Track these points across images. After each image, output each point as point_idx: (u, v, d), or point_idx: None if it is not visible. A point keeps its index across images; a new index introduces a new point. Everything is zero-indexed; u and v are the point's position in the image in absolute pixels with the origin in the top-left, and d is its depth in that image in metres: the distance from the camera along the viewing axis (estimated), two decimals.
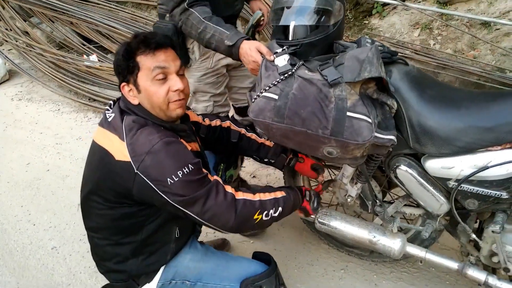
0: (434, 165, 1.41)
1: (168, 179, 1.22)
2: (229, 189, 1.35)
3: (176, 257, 1.50)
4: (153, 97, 1.32)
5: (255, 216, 1.36)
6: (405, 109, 1.39)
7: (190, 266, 1.50)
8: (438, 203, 1.49)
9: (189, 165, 1.27)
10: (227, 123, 1.81)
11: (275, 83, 1.35)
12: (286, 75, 1.34)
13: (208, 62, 1.89)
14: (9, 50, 4.96)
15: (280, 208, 1.42)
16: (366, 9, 4.14)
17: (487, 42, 3.49)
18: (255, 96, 1.37)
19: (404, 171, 1.48)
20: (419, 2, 3.92)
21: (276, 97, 1.34)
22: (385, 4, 4.00)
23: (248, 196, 1.38)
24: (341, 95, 1.26)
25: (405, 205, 1.71)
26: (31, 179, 2.87)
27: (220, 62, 1.92)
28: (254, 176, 2.75)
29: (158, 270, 1.47)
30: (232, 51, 1.57)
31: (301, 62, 1.39)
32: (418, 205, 1.64)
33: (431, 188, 1.47)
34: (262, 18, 1.80)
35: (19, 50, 4.63)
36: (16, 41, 4.66)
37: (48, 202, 2.64)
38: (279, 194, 1.46)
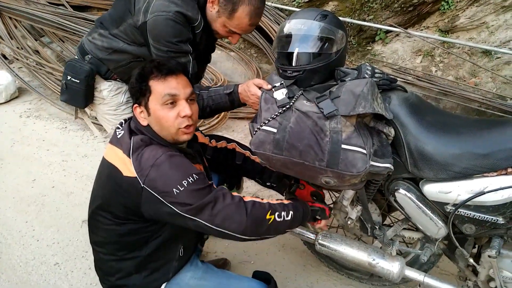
0: (431, 190, 1.44)
1: (174, 189, 1.25)
2: (235, 193, 1.37)
3: (177, 275, 1.52)
4: (162, 120, 1.38)
5: (268, 216, 1.34)
6: (403, 134, 1.44)
7: (191, 284, 1.52)
8: (436, 227, 1.51)
9: (194, 174, 1.30)
10: (232, 145, 1.86)
11: (274, 117, 1.40)
12: (284, 108, 1.40)
13: (119, 97, 1.97)
14: (19, 68, 5.06)
15: (291, 212, 1.43)
16: (369, 35, 4.24)
17: (488, 70, 3.56)
18: (256, 129, 1.43)
19: (403, 195, 1.51)
20: (422, 30, 4.01)
21: (275, 130, 1.39)
22: (388, 31, 4.09)
23: (256, 199, 1.39)
24: (336, 127, 1.31)
25: (404, 228, 1.73)
26: (37, 195, 2.91)
27: None
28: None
29: (160, 287, 1.49)
30: (233, 97, 1.65)
31: (300, 92, 1.45)
32: (417, 229, 1.66)
33: (429, 212, 1.50)
34: None
35: (29, 68, 4.74)
36: (27, 60, 4.77)
37: (52, 218, 2.67)
38: (286, 202, 1.48)
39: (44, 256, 2.36)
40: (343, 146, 1.30)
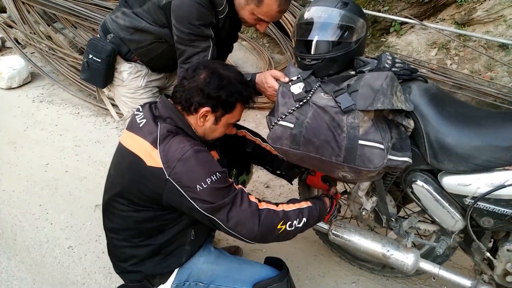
0: (450, 182, 1.43)
1: (198, 185, 1.28)
2: (253, 198, 1.40)
3: (190, 259, 1.53)
4: (216, 132, 1.48)
5: (279, 226, 1.38)
6: (423, 125, 1.42)
7: (204, 268, 1.53)
8: (453, 220, 1.50)
9: (217, 173, 1.32)
10: (242, 132, 1.86)
11: (291, 111, 1.40)
12: (301, 103, 1.39)
13: (138, 81, 1.97)
14: (32, 53, 5.09)
15: (304, 219, 1.44)
16: (384, 27, 4.19)
17: (504, 64, 3.50)
18: (273, 123, 1.43)
19: (420, 187, 1.50)
20: (437, 22, 3.96)
21: (291, 125, 1.39)
22: (403, 23, 4.04)
23: (271, 206, 1.41)
24: (354, 122, 1.30)
25: (419, 220, 1.73)
26: (50, 179, 2.93)
27: (152, 83, 2.02)
28: (267, 186, 2.77)
29: (173, 271, 1.50)
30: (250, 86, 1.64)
31: (318, 84, 1.43)
32: (433, 221, 1.65)
33: (446, 204, 1.48)
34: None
35: (42, 53, 4.75)
36: (39, 45, 4.78)
37: (65, 202, 2.69)
38: (304, 205, 1.49)
39: (57, 239, 2.39)
40: (360, 141, 1.29)
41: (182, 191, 1.29)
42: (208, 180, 1.30)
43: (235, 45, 2.00)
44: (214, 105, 1.39)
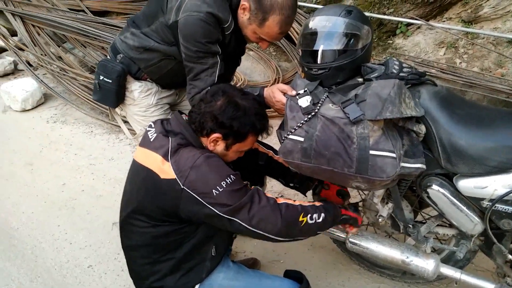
0: (466, 185, 1.41)
1: (213, 190, 1.29)
2: (269, 195, 1.41)
3: (210, 275, 1.53)
4: (226, 157, 1.49)
5: (301, 218, 1.39)
6: (435, 129, 1.41)
7: (224, 285, 1.54)
8: (472, 223, 1.48)
9: (231, 175, 1.34)
10: (254, 145, 1.86)
11: (300, 125, 1.40)
12: (309, 115, 1.39)
13: (149, 99, 1.99)
14: (44, 74, 5.17)
15: (323, 214, 1.45)
16: (390, 29, 4.18)
17: None
18: (283, 138, 1.44)
19: (436, 191, 1.48)
20: (444, 21, 3.93)
21: (302, 139, 1.40)
22: (409, 24, 4.02)
23: (289, 201, 1.43)
24: (363, 133, 1.30)
25: (438, 225, 1.71)
26: (67, 199, 2.97)
27: (162, 100, 2.04)
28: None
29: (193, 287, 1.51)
30: (259, 100, 1.65)
31: (325, 95, 1.44)
32: (451, 225, 1.64)
33: (464, 208, 1.47)
34: None
35: (53, 74, 4.83)
36: (51, 66, 4.87)
37: (83, 221, 2.72)
38: (317, 203, 1.51)
39: (77, 259, 2.41)
40: (371, 152, 1.29)
41: (199, 198, 1.30)
42: (223, 183, 1.31)
43: (243, 55, 2.02)
44: (225, 133, 1.41)
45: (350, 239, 1.75)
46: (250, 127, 1.43)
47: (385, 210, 1.71)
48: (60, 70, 4.80)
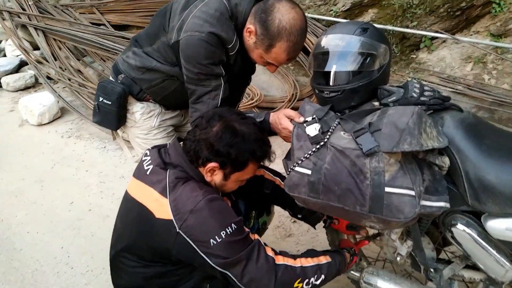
0: (497, 226, 1.23)
1: (211, 240, 1.18)
2: (269, 252, 1.29)
3: None
4: (225, 187, 1.39)
5: (296, 284, 1.26)
6: (461, 162, 1.24)
7: None
8: (503, 269, 1.30)
9: (232, 224, 1.22)
10: (260, 171, 1.72)
11: (307, 156, 1.25)
12: (318, 145, 1.25)
13: (151, 121, 1.88)
14: (63, 88, 5.20)
15: (322, 276, 1.32)
16: (413, 43, 4.01)
17: None
18: (289, 169, 1.30)
19: (462, 231, 1.31)
20: (471, 35, 3.73)
21: (309, 172, 1.25)
22: (433, 38, 3.84)
23: (289, 261, 1.29)
24: (378, 167, 1.14)
25: (464, 267, 1.52)
26: (73, 218, 2.89)
27: (166, 122, 1.93)
28: (294, 221, 2.62)
29: None
30: (264, 126, 1.54)
31: (336, 122, 1.30)
32: (479, 268, 1.45)
33: (493, 251, 1.29)
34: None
35: (71, 88, 4.85)
36: (69, 80, 4.89)
37: (87, 243, 2.64)
38: (323, 260, 1.37)
39: (77, 285, 2.32)
40: (387, 189, 1.14)
41: (194, 245, 1.19)
42: (223, 233, 1.19)
43: (259, 68, 1.90)
44: (223, 162, 1.29)
45: (364, 279, 1.59)
46: (249, 155, 1.31)
47: (404, 249, 1.53)
48: (79, 85, 4.81)
